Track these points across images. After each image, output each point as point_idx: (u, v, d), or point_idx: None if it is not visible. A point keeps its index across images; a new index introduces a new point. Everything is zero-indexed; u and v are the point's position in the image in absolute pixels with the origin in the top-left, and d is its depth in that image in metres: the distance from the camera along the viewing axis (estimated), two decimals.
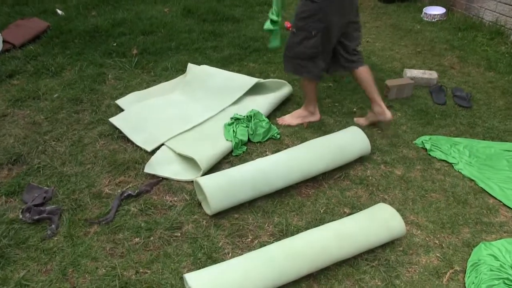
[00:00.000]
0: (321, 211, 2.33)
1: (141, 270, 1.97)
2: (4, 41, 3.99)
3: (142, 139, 2.74)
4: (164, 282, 1.92)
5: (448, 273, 2.02)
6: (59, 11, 4.76)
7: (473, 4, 4.84)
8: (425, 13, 5.02)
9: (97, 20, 4.55)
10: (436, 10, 5.01)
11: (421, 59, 4.11)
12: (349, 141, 2.60)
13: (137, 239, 2.12)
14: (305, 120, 3.03)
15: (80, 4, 4.93)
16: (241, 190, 2.23)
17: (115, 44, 4.08)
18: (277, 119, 3.07)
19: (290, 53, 2.80)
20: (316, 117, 3.07)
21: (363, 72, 2.88)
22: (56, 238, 2.12)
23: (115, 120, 2.88)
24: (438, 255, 2.12)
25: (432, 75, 3.67)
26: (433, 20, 4.96)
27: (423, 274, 2.02)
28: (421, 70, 3.74)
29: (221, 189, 2.21)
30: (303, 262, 1.89)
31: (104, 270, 1.96)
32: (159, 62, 3.82)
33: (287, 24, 4.61)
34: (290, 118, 3.06)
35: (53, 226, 2.15)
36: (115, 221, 2.21)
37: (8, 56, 3.84)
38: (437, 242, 2.19)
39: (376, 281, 1.97)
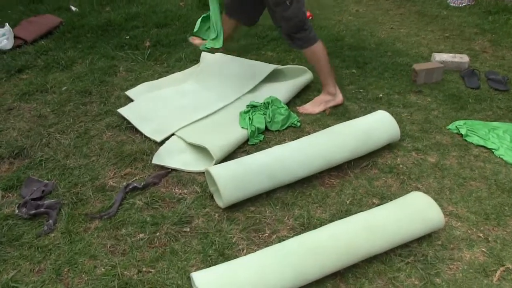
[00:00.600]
0: (347, 202, 2.08)
1: (144, 269, 1.76)
2: (15, 37, 3.87)
3: (151, 129, 2.54)
4: (169, 282, 1.70)
5: (498, 271, 1.74)
6: (73, 8, 4.64)
7: None
8: None
9: (111, 14, 4.40)
10: None
11: (449, 44, 3.82)
12: (376, 126, 2.34)
13: (141, 235, 1.91)
14: (328, 105, 2.78)
15: (94, 0, 4.79)
16: (257, 179, 2.01)
17: (127, 37, 3.91)
18: (297, 107, 2.83)
19: (298, 24, 2.64)
20: (338, 98, 2.81)
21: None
22: (53, 235, 1.93)
23: (123, 111, 2.69)
24: (484, 250, 1.84)
25: (463, 58, 3.38)
26: (460, 5, 4.65)
27: (468, 271, 1.75)
28: (450, 54, 3.45)
29: (234, 178, 1.98)
30: (327, 259, 1.65)
31: (103, 269, 1.76)
32: (172, 54, 3.63)
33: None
34: (312, 106, 2.82)
35: (50, 221, 1.96)
36: (118, 215, 2.01)
37: (19, 52, 3.71)
38: (481, 235, 1.91)
39: (413, 279, 1.71)
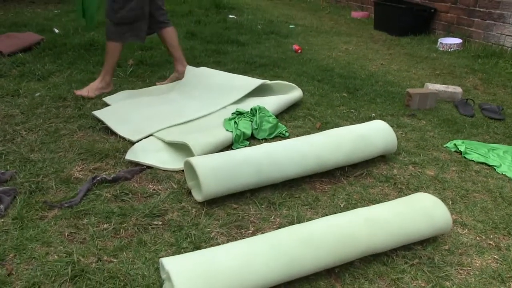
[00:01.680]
0: (341, 206, 1.87)
1: (104, 258, 1.48)
2: None
3: (127, 130, 2.33)
4: (133, 272, 1.43)
5: None
6: (56, 30, 4.54)
7: (492, 32, 4.60)
8: (440, 43, 4.78)
9: (94, 36, 4.30)
10: (453, 40, 4.78)
11: (441, 80, 3.78)
12: (374, 133, 2.18)
13: (105, 225, 1.65)
14: (103, 91, 2.96)
15: (79, 27, 4.71)
16: (242, 172, 1.79)
17: None
18: (75, 91, 2.91)
19: (114, 19, 2.80)
20: (109, 88, 3.01)
21: (170, 32, 3.12)
22: (2, 220, 1.65)
23: (98, 113, 2.49)
24: (496, 257, 1.63)
25: (456, 89, 3.31)
26: (449, 49, 4.70)
27: (481, 277, 1.52)
28: (443, 85, 3.39)
29: (217, 169, 1.76)
30: (322, 250, 1.41)
31: (56, 256, 1.48)
32: (156, 72, 3.50)
33: (296, 47, 4.36)
34: (86, 91, 2.90)
35: (1, 206, 1.69)
36: (81, 205, 1.75)
37: None
38: (491, 243, 1.70)
39: (419, 281, 1.47)
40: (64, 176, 1.96)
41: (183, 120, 2.45)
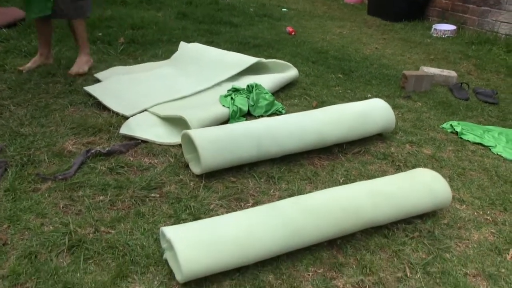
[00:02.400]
0: (340, 181, 1.86)
1: (102, 229, 1.45)
2: None
3: (121, 105, 2.28)
4: (132, 243, 1.40)
5: (511, 251, 1.52)
6: None
7: (487, 18, 4.61)
8: (434, 29, 4.77)
9: None
10: (447, 27, 4.78)
11: (435, 65, 3.77)
12: (373, 111, 2.16)
13: (101, 197, 1.62)
14: (89, 63, 2.91)
15: None
16: (242, 146, 1.76)
17: (100, 34, 3.70)
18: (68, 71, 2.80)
19: None
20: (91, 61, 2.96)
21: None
22: None
23: (90, 88, 2.43)
24: (493, 231, 1.64)
25: (451, 73, 3.32)
26: (443, 36, 4.70)
27: (479, 249, 1.52)
28: (438, 69, 3.39)
29: (216, 141, 1.73)
30: (324, 221, 1.40)
31: (51, 227, 1.45)
32: (148, 50, 3.43)
33: (289, 29, 4.32)
34: (77, 67, 2.84)
35: None
36: (75, 178, 1.71)
37: None
38: (489, 218, 1.71)
39: (420, 253, 1.47)
40: (56, 150, 1.91)
41: (178, 95, 2.41)
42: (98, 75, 2.71)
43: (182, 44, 2.97)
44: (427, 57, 3.98)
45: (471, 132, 2.42)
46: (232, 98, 2.32)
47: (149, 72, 2.71)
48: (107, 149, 1.88)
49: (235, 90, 2.44)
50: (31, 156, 1.84)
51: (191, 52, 2.86)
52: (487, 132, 2.44)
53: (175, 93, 2.43)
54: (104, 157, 1.86)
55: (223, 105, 2.25)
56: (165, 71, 2.72)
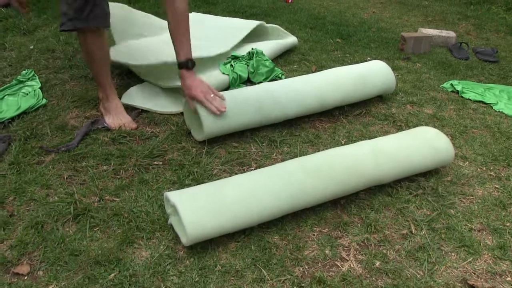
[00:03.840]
0: (342, 142, 1.86)
1: (106, 197, 1.46)
2: None
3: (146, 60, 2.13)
4: (137, 210, 1.41)
5: None
6: None
7: None
8: None
9: None
10: None
11: (434, 26, 3.72)
12: (372, 72, 2.15)
13: (105, 167, 1.62)
14: None
15: None
16: (243, 111, 1.76)
17: None
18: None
19: None
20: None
21: None
22: None
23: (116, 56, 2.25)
24: (497, 186, 1.64)
25: (450, 34, 3.27)
26: None
27: (484, 204, 1.53)
28: (437, 30, 3.34)
29: None
30: (329, 180, 1.40)
31: (56, 198, 1.45)
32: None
33: None
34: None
35: None
36: (78, 149, 1.71)
37: None
38: (492, 174, 1.72)
39: (424, 210, 1.48)
40: (58, 123, 1.90)
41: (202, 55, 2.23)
42: None
43: None
44: (425, 19, 3.93)
45: (472, 90, 2.40)
46: (231, 65, 2.29)
47: (158, 38, 2.59)
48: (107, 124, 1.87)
49: (235, 58, 2.41)
50: (34, 130, 1.83)
51: (194, 19, 2.79)
52: (488, 90, 2.43)
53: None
54: (106, 129, 1.85)
55: (223, 73, 2.23)
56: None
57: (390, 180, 1.52)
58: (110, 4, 2.15)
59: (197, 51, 2.22)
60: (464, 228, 1.43)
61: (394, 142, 1.58)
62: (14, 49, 2.81)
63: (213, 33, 2.61)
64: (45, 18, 3.44)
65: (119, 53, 2.22)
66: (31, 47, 2.82)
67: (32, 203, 1.43)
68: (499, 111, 2.24)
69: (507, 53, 3.12)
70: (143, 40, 2.47)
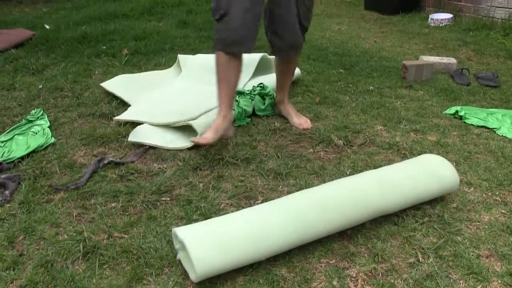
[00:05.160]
0: (347, 173, 1.87)
1: (115, 234, 1.48)
2: None
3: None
4: (145, 246, 1.42)
5: None
6: (47, 26, 4.50)
7: (481, 5, 4.62)
8: (431, 18, 4.79)
9: (87, 28, 4.26)
10: (443, 16, 4.79)
11: (435, 53, 3.79)
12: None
13: (113, 204, 1.65)
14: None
15: (70, 21, 4.68)
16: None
17: (104, 47, 3.76)
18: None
19: None
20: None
21: None
22: (8, 205, 1.64)
23: (123, 116, 2.31)
24: (503, 211, 1.64)
25: (451, 60, 3.33)
26: (440, 25, 4.72)
27: (491, 230, 1.53)
28: (438, 57, 3.40)
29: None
30: (336, 213, 1.42)
31: (66, 236, 1.48)
32: (151, 60, 3.47)
33: None
34: (299, 118, 2.33)
35: (6, 192, 1.68)
36: (87, 186, 1.74)
37: None
38: (498, 199, 1.72)
39: (431, 238, 1.48)
40: (67, 161, 1.94)
41: (213, 106, 2.28)
42: (105, 85, 2.73)
43: (183, 56, 2.98)
44: (426, 46, 4.00)
45: (475, 115, 2.42)
46: (236, 100, 2.34)
47: (168, 86, 2.68)
48: (118, 159, 1.91)
49: (239, 93, 2.46)
50: (43, 169, 1.87)
51: (199, 60, 2.86)
52: (491, 115, 2.45)
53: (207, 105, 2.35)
54: (114, 165, 1.89)
55: None
56: (183, 84, 2.69)
57: (396, 210, 1.53)
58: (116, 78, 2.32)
59: (208, 101, 2.29)
60: (472, 255, 1.42)
61: (399, 171, 1.59)
62: (24, 88, 2.90)
63: None
64: (53, 57, 3.55)
65: (134, 113, 2.31)
66: (40, 86, 2.91)
67: (41, 242, 1.45)
68: (502, 135, 2.25)
69: (507, 77, 3.16)
70: (151, 96, 2.54)
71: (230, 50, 1.89)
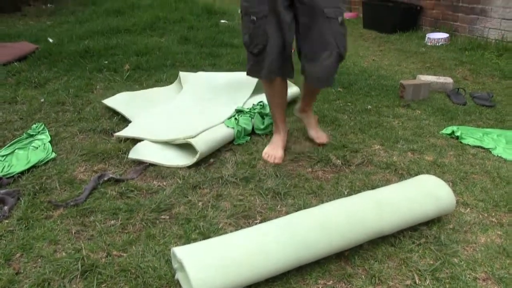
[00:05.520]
0: (345, 193, 1.89)
1: (114, 253, 1.49)
2: None
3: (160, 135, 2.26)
4: (144, 265, 1.43)
5: None
6: (51, 40, 4.54)
7: (476, 26, 4.69)
8: (428, 38, 4.85)
9: (90, 43, 4.31)
10: (440, 35, 4.85)
11: (432, 72, 3.83)
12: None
13: (112, 222, 1.66)
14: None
15: (73, 35, 4.72)
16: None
17: (106, 62, 3.79)
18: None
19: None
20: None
21: None
22: (6, 221, 1.65)
23: (125, 133, 2.34)
24: (499, 233, 1.66)
25: (447, 80, 3.37)
26: (437, 44, 4.78)
27: (487, 252, 1.54)
28: (435, 76, 3.44)
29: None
30: (334, 234, 1.43)
31: (64, 254, 1.48)
32: (152, 76, 3.51)
33: None
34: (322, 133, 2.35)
35: (5, 208, 1.69)
36: (86, 203, 1.75)
37: None
38: (494, 220, 1.73)
39: (428, 259, 1.49)
40: (67, 177, 1.96)
41: (214, 123, 2.35)
42: (107, 102, 2.75)
43: (184, 74, 3.01)
44: (423, 65, 4.05)
45: (471, 135, 2.45)
46: (236, 118, 2.37)
47: (170, 104, 2.71)
48: (118, 176, 1.92)
49: (239, 111, 2.49)
50: (43, 184, 1.89)
51: (200, 78, 2.89)
52: (486, 135, 2.48)
53: (209, 122, 2.36)
54: (114, 182, 1.90)
55: (228, 126, 2.30)
56: (185, 102, 2.72)
57: (393, 231, 1.54)
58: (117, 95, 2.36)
59: (209, 118, 2.32)
60: (469, 278, 1.43)
61: (397, 192, 1.61)
62: (26, 102, 2.92)
63: (221, 93, 2.70)
64: (56, 71, 3.59)
65: (135, 129, 2.34)
66: (42, 100, 2.93)
67: (39, 260, 1.45)
68: (497, 155, 2.28)
69: (502, 97, 3.20)
70: (151, 112, 2.58)
71: (269, 78, 2.04)
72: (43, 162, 2.09)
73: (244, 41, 2.02)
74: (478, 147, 2.37)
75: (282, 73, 2.04)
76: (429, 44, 4.81)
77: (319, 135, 2.31)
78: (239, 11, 2.15)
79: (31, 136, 2.37)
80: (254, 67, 2.04)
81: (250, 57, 2.03)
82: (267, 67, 1.97)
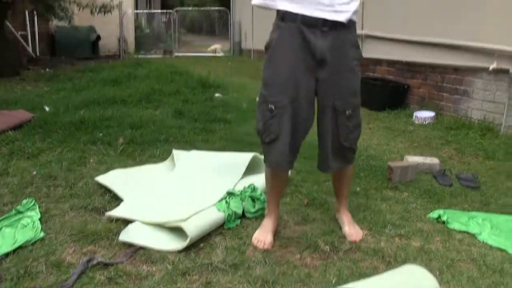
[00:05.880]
0: (333, 282, 1.90)
1: None
2: None
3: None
4: None
5: None
6: (47, 108, 4.66)
7: (460, 105, 4.92)
8: (416, 116, 5.05)
9: (85, 113, 4.42)
10: (426, 114, 5.06)
11: (419, 152, 3.96)
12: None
13: None
14: None
15: (70, 103, 4.86)
16: None
17: (100, 134, 3.87)
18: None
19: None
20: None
21: None
22: None
23: (117, 212, 2.37)
24: None
25: (434, 160, 3.49)
26: (424, 122, 4.97)
27: None
28: (421, 157, 3.56)
29: None
30: None
31: None
32: (146, 151, 3.58)
33: None
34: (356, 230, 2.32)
35: None
36: None
37: None
38: None
39: None
40: (55, 259, 1.96)
41: (205, 206, 2.38)
42: (100, 179, 2.79)
43: (176, 152, 3.10)
44: (411, 144, 4.18)
45: (457, 220, 2.51)
46: (226, 201, 2.41)
47: (163, 185, 2.76)
48: (107, 260, 1.93)
49: (230, 194, 2.53)
50: (28, 268, 1.87)
51: (192, 159, 2.97)
52: (472, 219, 2.54)
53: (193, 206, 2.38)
54: (103, 266, 1.91)
55: (218, 209, 2.34)
56: (175, 183, 2.77)
57: None
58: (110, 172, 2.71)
59: (201, 200, 2.37)
60: None
61: (383, 284, 1.63)
62: (17, 174, 2.95)
63: (212, 175, 2.77)
64: (50, 142, 3.65)
65: (127, 209, 2.37)
66: (34, 172, 2.97)
67: None
68: (483, 241, 2.32)
69: (486, 178, 3.30)
70: (143, 192, 2.62)
71: (274, 170, 2.18)
72: (30, 242, 2.09)
73: (257, 128, 2.08)
74: (464, 232, 2.41)
75: (290, 165, 2.14)
76: (416, 122, 5.00)
77: (352, 232, 2.27)
78: (257, 99, 2.25)
79: (20, 212, 2.37)
80: (267, 156, 2.13)
81: (264, 146, 2.11)
82: (276, 158, 2.07)
